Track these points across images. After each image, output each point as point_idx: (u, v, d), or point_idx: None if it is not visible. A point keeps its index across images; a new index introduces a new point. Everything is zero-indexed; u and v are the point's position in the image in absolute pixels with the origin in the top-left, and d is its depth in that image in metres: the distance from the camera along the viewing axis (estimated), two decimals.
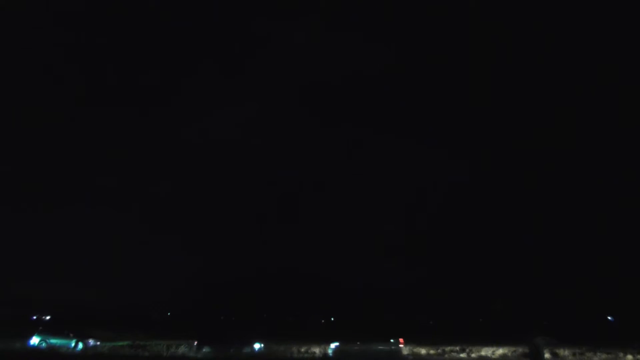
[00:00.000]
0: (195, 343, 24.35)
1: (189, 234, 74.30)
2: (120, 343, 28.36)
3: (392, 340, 22.68)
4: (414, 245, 65.07)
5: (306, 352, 26.31)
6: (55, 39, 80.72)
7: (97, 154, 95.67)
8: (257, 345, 24.32)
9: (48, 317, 50.57)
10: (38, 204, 72.85)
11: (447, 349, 26.66)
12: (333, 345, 22.85)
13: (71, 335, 25.82)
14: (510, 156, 79.90)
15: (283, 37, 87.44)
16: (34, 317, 50.29)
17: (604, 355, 23.19)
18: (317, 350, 25.82)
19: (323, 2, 79.74)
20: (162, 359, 22.65)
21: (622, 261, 48.84)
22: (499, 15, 74.87)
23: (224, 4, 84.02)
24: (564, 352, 24.04)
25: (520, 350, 24.90)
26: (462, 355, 25.79)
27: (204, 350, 23.39)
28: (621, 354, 22.82)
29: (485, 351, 25.94)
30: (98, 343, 26.44)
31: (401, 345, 22.73)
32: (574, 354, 23.84)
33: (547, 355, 22.74)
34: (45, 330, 26.69)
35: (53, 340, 25.33)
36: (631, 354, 22.60)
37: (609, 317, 43.98)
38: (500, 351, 25.74)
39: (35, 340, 25.28)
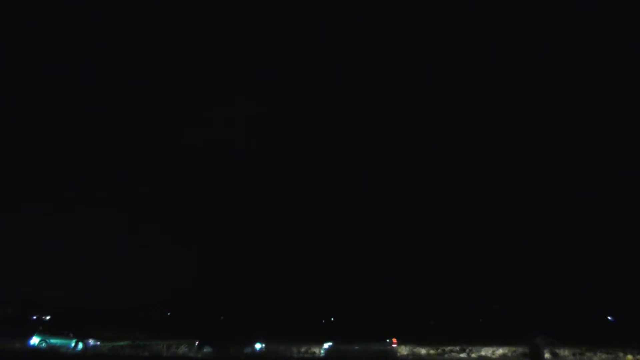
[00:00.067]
0: (197, 343, 24.38)
1: (188, 233, 74.32)
2: (120, 343, 28.38)
3: (386, 340, 22.67)
4: (414, 245, 65.12)
5: (306, 352, 26.33)
6: (50, 35, 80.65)
7: (97, 154, 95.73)
8: (258, 345, 24.34)
9: (48, 317, 50.59)
10: (38, 204, 72.86)
11: (447, 349, 26.67)
12: (326, 345, 22.85)
13: (71, 335, 25.83)
14: (511, 156, 80.00)
15: (284, 37, 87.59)
16: (34, 317, 50.30)
17: (604, 355, 23.20)
18: (317, 350, 25.82)
19: (327, 2, 79.78)
20: (162, 359, 22.69)
21: (622, 261, 48.88)
22: (508, 16, 74.86)
23: (225, 3, 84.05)
24: (564, 352, 24.05)
25: (520, 350, 24.91)
26: (462, 355, 25.80)
27: (205, 350, 23.42)
28: (621, 354, 22.83)
29: (485, 351, 25.94)
30: (98, 343, 26.45)
31: (394, 345, 22.72)
32: (574, 354, 23.85)
33: (547, 355, 22.74)
34: (45, 330, 26.71)
35: (53, 340, 25.35)
36: (631, 354, 22.60)
37: (609, 317, 43.99)
38: (500, 351, 25.75)
39: (35, 340, 25.30)
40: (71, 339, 25.54)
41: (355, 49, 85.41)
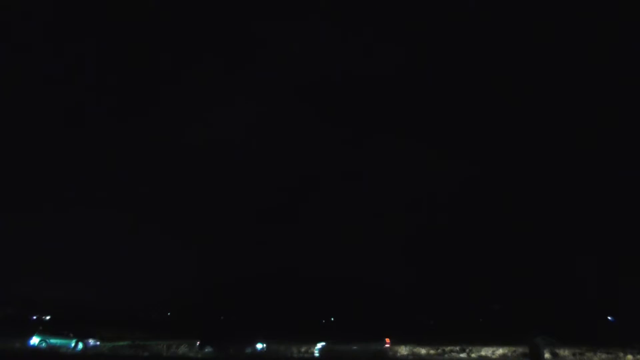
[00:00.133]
0: (198, 343, 24.39)
1: (188, 233, 74.32)
2: (120, 343, 28.41)
3: (379, 340, 22.75)
4: (414, 245, 65.12)
5: (306, 352, 26.35)
6: (50, 35, 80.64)
7: (97, 154, 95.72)
8: (259, 345, 24.36)
9: (48, 317, 50.60)
10: (38, 204, 72.87)
11: (447, 349, 26.69)
12: (319, 345, 22.90)
13: (71, 335, 25.84)
14: (511, 156, 80.00)
15: (284, 37, 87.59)
16: (34, 317, 50.31)
17: (604, 355, 23.21)
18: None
19: (327, 2, 79.75)
20: (162, 359, 22.70)
21: (622, 261, 48.87)
22: (508, 17, 74.84)
23: (225, 3, 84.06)
24: (564, 352, 24.06)
25: (520, 350, 24.93)
26: (462, 355, 25.81)
27: (206, 350, 23.43)
28: (621, 354, 22.84)
29: (485, 351, 25.96)
30: (98, 343, 26.46)
31: (387, 345, 22.81)
32: (574, 354, 23.86)
33: (547, 355, 22.75)
34: (45, 330, 26.71)
35: (53, 340, 25.36)
36: (631, 354, 22.61)
37: (609, 317, 44.00)
38: (500, 351, 25.77)
39: (35, 340, 25.31)
40: (71, 339, 25.54)
41: (355, 49, 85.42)
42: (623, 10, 66.82)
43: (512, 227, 63.96)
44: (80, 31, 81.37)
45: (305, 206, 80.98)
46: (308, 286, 59.35)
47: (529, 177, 76.14)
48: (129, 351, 25.75)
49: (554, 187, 70.57)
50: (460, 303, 53.58)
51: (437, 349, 26.84)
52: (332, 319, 55.90)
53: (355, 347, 22.26)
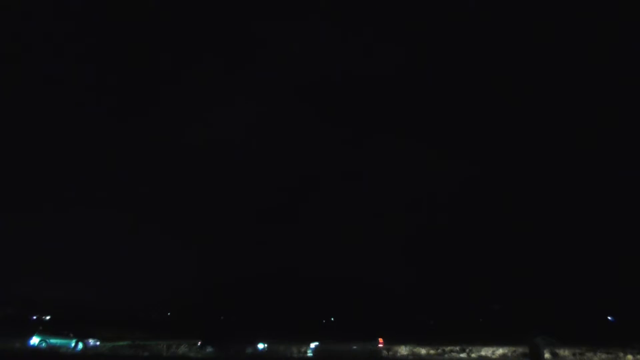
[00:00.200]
0: (199, 343, 24.38)
1: (188, 233, 74.33)
2: (120, 343, 28.40)
3: (372, 340, 22.85)
4: (414, 245, 65.11)
5: (306, 351, 26.34)
6: (50, 35, 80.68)
7: (97, 154, 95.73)
8: (260, 345, 24.38)
9: (48, 317, 50.58)
10: (38, 204, 72.89)
11: (447, 349, 26.69)
12: (313, 345, 22.98)
13: (71, 335, 25.83)
14: (511, 156, 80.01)
15: (284, 37, 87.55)
16: (34, 317, 50.30)
17: (604, 355, 23.21)
18: None
19: (327, 2, 79.75)
20: (162, 359, 22.69)
21: (622, 261, 48.88)
22: (508, 17, 74.83)
23: (225, 3, 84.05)
24: (564, 352, 24.06)
25: (520, 350, 24.93)
26: (462, 355, 25.80)
27: (207, 350, 23.43)
28: (621, 354, 22.84)
29: (485, 351, 25.95)
30: (98, 343, 26.45)
31: (380, 345, 22.92)
32: (574, 354, 23.86)
33: (547, 355, 22.75)
34: (45, 330, 26.70)
35: (53, 340, 25.36)
36: (631, 354, 22.61)
37: (609, 317, 44.00)
38: (500, 351, 25.76)
39: (35, 340, 25.31)
40: (71, 339, 25.54)
41: (355, 49, 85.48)
42: (623, 10, 66.82)
43: (512, 227, 64.03)
44: (80, 31, 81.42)
45: (305, 206, 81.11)
46: (308, 286, 59.38)
47: (529, 177, 76.24)
48: (129, 351, 25.75)
49: (554, 187, 70.61)
50: (460, 303, 53.61)
51: (437, 349, 26.84)
52: (332, 319, 55.89)
53: (348, 347, 22.38)
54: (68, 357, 21.33)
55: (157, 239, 67.88)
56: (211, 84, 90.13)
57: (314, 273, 60.80)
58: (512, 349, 25.70)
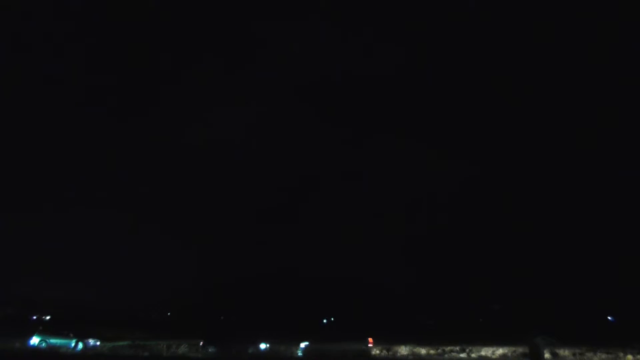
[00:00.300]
0: (201, 343, 24.40)
1: (188, 233, 74.33)
2: (120, 343, 28.40)
3: (361, 340, 22.95)
4: (414, 245, 65.11)
5: (296, 351, 26.36)
6: (50, 35, 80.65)
7: (97, 154, 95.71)
8: (262, 345, 24.42)
9: (48, 317, 50.57)
10: (38, 204, 72.87)
11: (447, 349, 26.69)
12: (303, 345, 23.05)
13: (71, 335, 25.86)
14: (511, 156, 80.00)
15: (284, 37, 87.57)
16: (34, 317, 50.29)
17: (604, 355, 23.22)
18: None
19: (327, 2, 79.73)
20: (162, 359, 22.70)
21: (622, 261, 48.88)
22: (508, 17, 74.82)
23: (225, 3, 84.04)
24: (564, 352, 24.06)
25: (520, 350, 24.93)
26: (462, 355, 25.81)
27: (209, 350, 23.45)
28: (621, 354, 22.85)
29: (485, 351, 25.96)
30: (98, 343, 26.47)
31: (370, 345, 23.01)
32: (574, 354, 23.87)
33: (547, 355, 22.76)
34: (45, 330, 26.72)
35: (53, 340, 25.38)
36: (631, 354, 22.62)
37: (609, 317, 43.99)
38: (500, 351, 25.77)
39: (35, 340, 25.32)
40: (71, 339, 25.56)
41: (355, 49, 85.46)
42: (623, 10, 66.82)
43: (512, 227, 64.01)
44: (80, 31, 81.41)
45: (305, 206, 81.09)
46: (308, 286, 59.38)
47: (529, 177, 76.22)
48: (129, 351, 25.76)
49: (554, 187, 70.61)
50: (460, 303, 53.59)
51: (437, 349, 26.84)
52: (332, 318, 55.87)
53: (338, 347, 22.49)
54: (68, 357, 21.34)
55: (157, 239, 67.93)
56: (211, 84, 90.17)
57: (314, 273, 60.82)
58: (512, 349, 25.70)
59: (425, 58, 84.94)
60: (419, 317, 52.67)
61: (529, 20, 75.48)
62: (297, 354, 23.27)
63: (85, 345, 25.49)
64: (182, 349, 26.36)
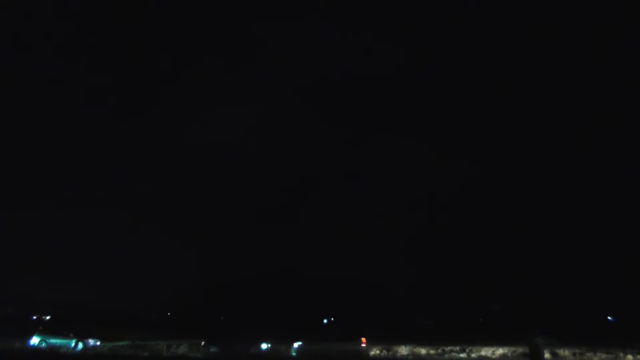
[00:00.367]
0: (203, 343, 24.40)
1: (188, 233, 74.33)
2: (120, 343, 28.39)
3: (355, 340, 22.98)
4: (414, 245, 65.11)
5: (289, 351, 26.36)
6: (50, 35, 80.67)
7: (97, 154, 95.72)
8: (264, 345, 24.42)
9: (48, 317, 50.57)
10: (38, 204, 72.89)
11: (447, 349, 26.68)
12: (296, 345, 23.08)
13: (71, 335, 25.86)
14: (511, 156, 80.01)
15: (284, 37, 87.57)
16: (34, 317, 50.28)
17: (604, 355, 23.22)
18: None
19: (327, 2, 79.74)
20: (162, 359, 22.71)
21: (622, 261, 48.88)
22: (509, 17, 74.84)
23: (225, 3, 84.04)
24: (564, 352, 24.06)
25: (520, 350, 24.93)
26: (462, 355, 25.81)
27: (211, 350, 23.46)
28: (621, 354, 22.85)
29: (485, 351, 25.95)
30: (98, 343, 26.47)
31: (363, 345, 23.04)
32: (574, 354, 23.86)
33: (547, 355, 22.76)
34: (45, 330, 26.72)
35: (53, 340, 25.38)
36: (631, 354, 22.62)
37: (609, 317, 43.99)
38: (500, 351, 25.76)
39: (35, 340, 25.32)
40: (71, 339, 25.56)
41: (355, 49, 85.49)
42: (623, 10, 66.83)
43: (512, 227, 64.01)
44: (80, 31, 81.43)
45: (305, 206, 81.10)
46: (308, 286, 59.37)
47: (529, 177, 76.22)
48: (129, 351, 25.77)
49: (554, 187, 70.61)
50: (460, 303, 53.59)
51: (437, 349, 26.83)
52: (332, 318, 55.87)
53: (331, 347, 22.53)
54: (68, 357, 21.34)
55: (157, 239, 67.92)
56: (211, 84, 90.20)
57: (314, 273, 60.83)
58: (512, 349, 25.69)
59: (425, 58, 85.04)
60: (419, 317, 52.65)
61: (529, 20, 75.56)
62: (291, 353, 23.32)
63: (85, 345, 25.49)
64: (182, 349, 26.36)
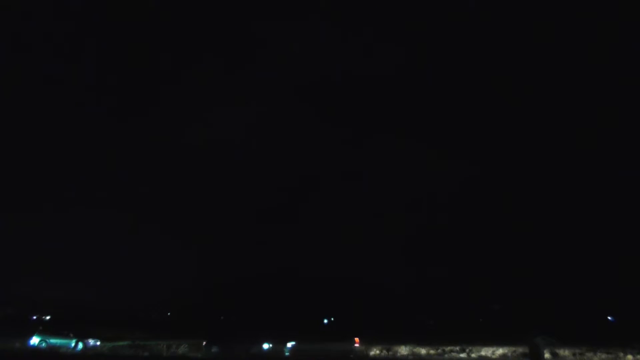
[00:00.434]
0: (204, 343, 24.42)
1: (188, 233, 74.32)
2: (120, 343, 28.39)
3: (347, 340, 23.06)
4: (414, 245, 65.11)
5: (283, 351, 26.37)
6: (50, 35, 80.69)
7: (97, 154, 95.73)
8: (266, 345, 24.45)
9: (48, 317, 50.57)
10: (38, 204, 72.87)
11: (447, 349, 26.69)
12: (289, 345, 23.12)
13: (71, 335, 25.86)
14: (511, 156, 80.00)
15: (284, 37, 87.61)
16: (34, 317, 50.28)
17: (604, 355, 23.23)
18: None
19: (327, 2, 79.76)
20: (162, 359, 22.73)
21: (622, 261, 48.87)
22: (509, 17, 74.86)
23: (225, 3, 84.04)
24: (564, 352, 24.06)
25: (520, 350, 24.93)
26: (462, 355, 25.82)
27: (213, 350, 23.48)
28: (621, 354, 22.86)
29: (485, 351, 25.96)
30: (98, 343, 26.47)
31: (356, 345, 23.11)
32: (574, 354, 23.87)
33: (547, 355, 22.77)
34: (45, 330, 26.72)
35: (53, 340, 25.39)
36: (631, 354, 22.62)
37: (609, 317, 43.98)
38: (500, 351, 25.77)
39: (35, 340, 25.32)
40: (71, 339, 25.57)
41: (355, 49, 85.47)
42: (623, 10, 66.85)
43: (512, 227, 64.01)
44: (80, 31, 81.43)
45: (305, 206, 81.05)
46: (308, 286, 59.37)
47: (529, 177, 76.20)
48: (129, 351, 25.78)
49: (554, 187, 70.61)
50: (460, 303, 53.58)
51: (437, 349, 26.84)
52: (332, 318, 55.89)
53: (324, 347, 22.59)
54: (68, 357, 21.35)
55: (157, 239, 67.91)
56: (211, 84, 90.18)
57: (314, 273, 60.83)
58: (512, 349, 25.70)
59: (425, 58, 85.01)
60: (419, 317, 52.66)
61: (529, 20, 75.57)
62: (284, 353, 23.39)
63: (85, 345, 25.49)
64: (182, 349, 26.38)
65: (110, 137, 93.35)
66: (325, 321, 54.83)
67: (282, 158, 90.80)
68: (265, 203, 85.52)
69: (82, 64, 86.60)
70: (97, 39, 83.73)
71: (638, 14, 67.49)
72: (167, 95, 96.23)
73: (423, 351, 26.55)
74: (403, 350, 26.44)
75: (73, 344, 25.29)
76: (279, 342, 27.26)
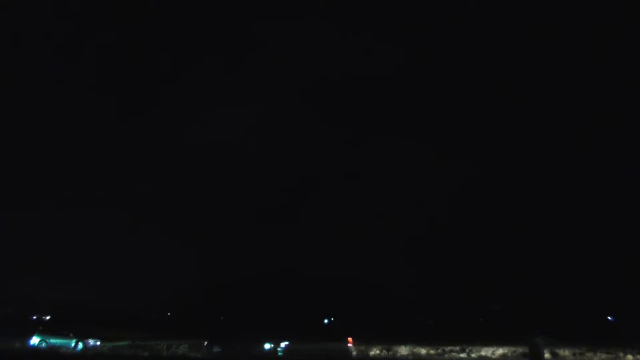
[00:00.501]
0: (206, 343, 24.43)
1: (188, 233, 74.32)
2: (120, 343, 28.40)
3: (341, 340, 23.10)
4: (414, 245, 65.12)
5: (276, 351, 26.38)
6: (50, 35, 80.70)
7: (97, 154, 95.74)
8: (267, 345, 24.48)
9: (48, 317, 50.57)
10: (38, 204, 72.87)
11: (447, 349, 26.69)
12: (283, 345, 23.17)
13: (71, 335, 25.86)
14: (511, 156, 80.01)
15: (284, 37, 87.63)
16: (34, 317, 50.28)
17: (604, 355, 23.24)
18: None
19: (327, 2, 79.75)
20: (162, 359, 22.73)
21: (622, 261, 48.87)
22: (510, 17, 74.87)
23: (225, 3, 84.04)
24: (564, 352, 24.07)
25: (520, 350, 24.94)
26: (462, 355, 25.83)
27: (214, 350, 23.49)
28: (621, 354, 22.86)
29: (485, 351, 25.97)
30: (98, 343, 26.47)
31: (349, 345, 23.16)
32: (574, 354, 23.88)
33: (547, 355, 22.77)
34: (45, 330, 26.73)
35: (53, 340, 25.39)
36: (631, 354, 22.63)
37: (609, 317, 43.98)
38: (500, 351, 25.78)
39: (35, 340, 25.33)
40: (71, 339, 25.57)
41: (355, 49, 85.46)
42: (623, 10, 66.86)
43: (512, 227, 63.99)
44: (80, 31, 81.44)
45: (305, 206, 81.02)
46: (308, 286, 59.38)
47: (529, 177, 76.19)
48: (129, 351, 25.78)
49: (554, 187, 70.61)
50: (460, 303, 53.58)
51: (437, 349, 26.85)
52: (332, 319, 55.90)
53: (317, 347, 22.64)
54: (68, 357, 21.33)
55: (157, 239, 67.90)
56: (211, 84, 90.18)
57: (314, 273, 60.83)
58: (512, 349, 25.71)
59: (425, 58, 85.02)
60: (419, 317, 52.67)
61: (529, 20, 75.56)
62: (277, 354, 23.44)
63: (85, 345, 25.50)
64: (182, 349, 26.39)
65: (110, 137, 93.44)
66: (326, 321, 54.84)
67: (282, 158, 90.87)
68: (265, 203, 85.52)
69: (82, 64, 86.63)
70: (97, 39, 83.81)
71: (638, 14, 67.53)
72: (167, 95, 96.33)
73: (423, 351, 26.56)
74: (403, 350, 26.46)
75: (73, 344, 25.29)
76: (277, 342, 27.33)
